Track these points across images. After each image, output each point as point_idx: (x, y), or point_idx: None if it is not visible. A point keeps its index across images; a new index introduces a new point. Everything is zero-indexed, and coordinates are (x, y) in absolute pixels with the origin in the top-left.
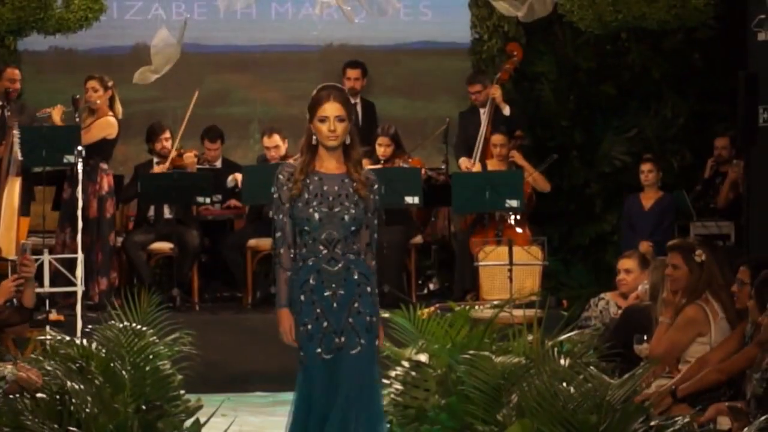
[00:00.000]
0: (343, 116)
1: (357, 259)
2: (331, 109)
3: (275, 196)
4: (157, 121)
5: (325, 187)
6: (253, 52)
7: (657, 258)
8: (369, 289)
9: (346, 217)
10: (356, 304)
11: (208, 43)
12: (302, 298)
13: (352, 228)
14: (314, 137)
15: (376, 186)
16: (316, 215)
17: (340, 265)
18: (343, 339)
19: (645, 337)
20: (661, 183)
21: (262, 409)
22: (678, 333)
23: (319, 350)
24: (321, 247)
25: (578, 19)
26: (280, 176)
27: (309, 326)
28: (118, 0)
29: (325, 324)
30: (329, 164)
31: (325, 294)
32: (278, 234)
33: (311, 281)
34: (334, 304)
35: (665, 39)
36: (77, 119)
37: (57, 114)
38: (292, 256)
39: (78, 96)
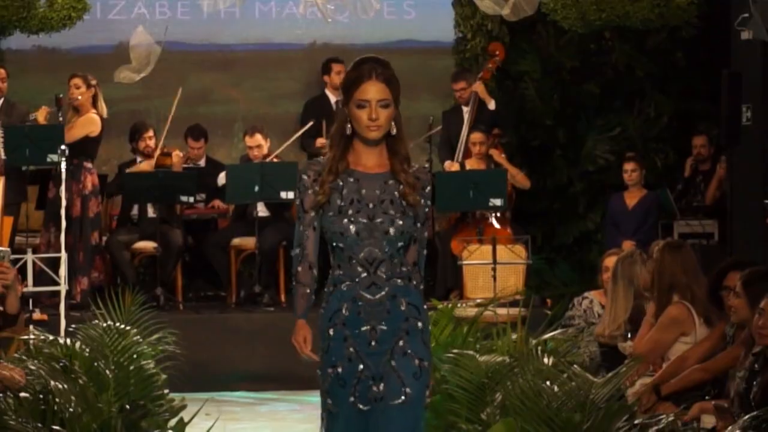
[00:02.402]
0: (389, 100)
1: (406, 286)
2: (373, 90)
3: (297, 202)
4: (141, 120)
5: (363, 191)
6: (237, 51)
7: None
8: (420, 324)
9: (392, 230)
10: (401, 343)
11: (192, 41)
12: (331, 332)
13: (400, 244)
14: (349, 126)
15: (428, 188)
16: (353, 228)
17: (383, 292)
18: (382, 387)
19: (629, 335)
20: (644, 181)
21: (245, 409)
22: (661, 332)
23: (352, 399)
24: (360, 269)
25: (562, 18)
26: (305, 176)
27: (339, 369)
28: None
29: (361, 367)
30: (368, 161)
31: (362, 329)
32: (296, 250)
33: (344, 311)
34: (372, 342)
35: (649, 38)
36: (60, 118)
37: (41, 116)
38: (317, 274)
39: (61, 95)
